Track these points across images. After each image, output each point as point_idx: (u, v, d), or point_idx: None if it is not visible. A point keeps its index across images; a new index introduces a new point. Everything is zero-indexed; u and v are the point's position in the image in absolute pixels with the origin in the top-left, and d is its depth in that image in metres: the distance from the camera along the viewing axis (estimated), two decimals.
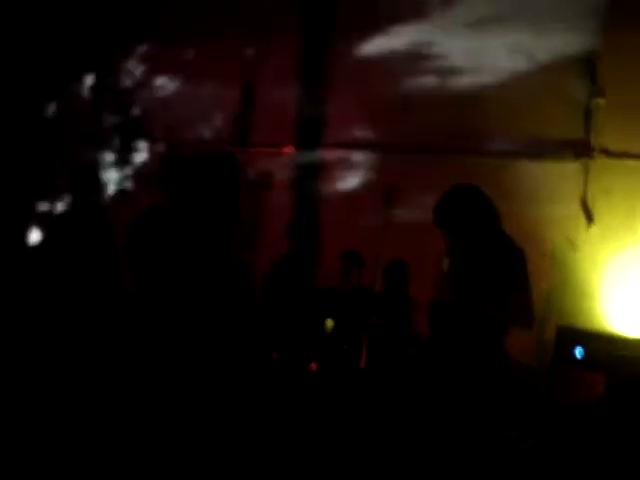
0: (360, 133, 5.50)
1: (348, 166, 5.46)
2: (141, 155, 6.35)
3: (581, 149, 4.90)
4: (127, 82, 6.60)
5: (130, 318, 4.02)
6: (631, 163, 4.79)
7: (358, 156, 5.48)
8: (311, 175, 5.68)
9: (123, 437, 3.65)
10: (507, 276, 3.23)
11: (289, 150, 5.83)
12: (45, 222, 5.38)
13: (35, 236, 6.01)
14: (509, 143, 5.06)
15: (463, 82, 5.19)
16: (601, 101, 4.87)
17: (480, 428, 3.28)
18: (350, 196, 5.32)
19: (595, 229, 4.83)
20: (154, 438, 3.66)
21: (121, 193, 6.17)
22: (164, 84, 6.39)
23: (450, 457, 3.29)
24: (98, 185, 5.10)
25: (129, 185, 6.20)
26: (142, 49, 6.49)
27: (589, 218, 4.86)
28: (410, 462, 3.55)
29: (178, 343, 3.87)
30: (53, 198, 6.42)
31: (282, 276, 5.16)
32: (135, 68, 6.55)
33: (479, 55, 5.16)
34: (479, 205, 3.36)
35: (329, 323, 4.38)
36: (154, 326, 3.87)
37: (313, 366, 4.36)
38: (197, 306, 4.01)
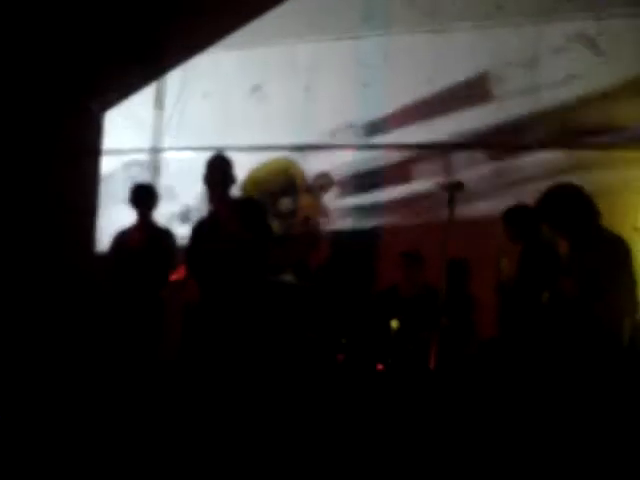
0: (423, 131, 5.47)
1: (410, 165, 5.43)
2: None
3: None
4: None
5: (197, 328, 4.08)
6: None
7: (420, 155, 5.45)
8: (372, 175, 5.68)
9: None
10: (610, 272, 3.25)
11: (350, 150, 5.84)
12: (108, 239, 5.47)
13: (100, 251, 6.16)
14: (578, 134, 4.95)
15: (525, 75, 5.11)
16: None
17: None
18: (413, 195, 5.28)
19: None
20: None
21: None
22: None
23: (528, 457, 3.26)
24: (156, 201, 5.17)
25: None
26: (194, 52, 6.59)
27: None
28: (479, 461, 3.53)
29: (243, 349, 3.94)
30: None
31: (340, 277, 5.17)
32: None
33: (540, 45, 5.08)
34: (582, 202, 3.44)
35: (394, 324, 4.35)
36: (219, 333, 3.94)
37: (379, 367, 4.35)
38: (259, 310, 4.06)
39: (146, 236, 4.96)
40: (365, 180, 5.68)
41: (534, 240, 4.56)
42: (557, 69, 5.01)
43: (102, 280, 5.19)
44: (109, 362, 4.77)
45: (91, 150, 7.02)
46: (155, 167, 6.79)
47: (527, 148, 5.07)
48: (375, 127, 5.67)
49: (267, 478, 3.54)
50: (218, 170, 4.01)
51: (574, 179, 4.71)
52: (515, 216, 4.54)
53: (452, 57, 5.38)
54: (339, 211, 5.66)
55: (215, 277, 3.97)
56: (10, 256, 5.93)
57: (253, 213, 4.05)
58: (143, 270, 4.85)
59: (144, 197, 5.05)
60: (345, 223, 5.63)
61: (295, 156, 5.97)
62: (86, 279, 5.89)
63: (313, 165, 5.87)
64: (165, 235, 5.04)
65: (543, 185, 3.81)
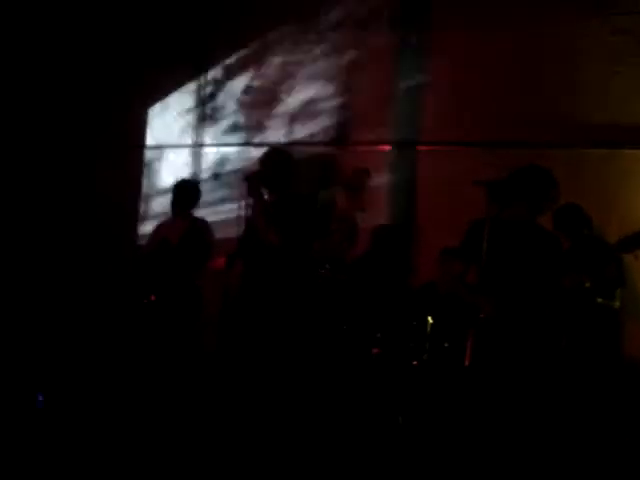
0: (459, 129, 5.43)
1: (447, 162, 5.40)
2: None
3: None
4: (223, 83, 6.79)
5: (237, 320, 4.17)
6: None
7: (457, 152, 5.42)
8: (410, 172, 5.68)
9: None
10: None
11: (387, 148, 5.84)
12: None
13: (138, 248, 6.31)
14: (606, 133, 4.87)
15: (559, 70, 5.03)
16: None
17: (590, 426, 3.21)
18: (449, 192, 5.24)
19: None
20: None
21: None
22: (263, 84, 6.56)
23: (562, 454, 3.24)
24: (198, 199, 5.28)
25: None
26: (236, 49, 6.66)
27: None
28: (516, 456, 3.51)
29: (281, 342, 4.01)
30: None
31: (375, 272, 5.17)
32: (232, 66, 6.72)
33: (575, 40, 5.00)
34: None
35: (429, 320, 4.35)
36: (258, 326, 4.03)
37: (413, 363, 4.35)
38: (296, 305, 4.13)
39: (186, 228, 5.09)
40: (401, 176, 5.70)
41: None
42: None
43: (142, 269, 5.33)
44: (148, 350, 4.90)
45: (136, 145, 7.20)
46: (196, 162, 6.91)
47: (568, 145, 5.00)
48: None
49: (299, 466, 3.60)
50: (274, 166, 4.12)
51: (616, 178, 4.72)
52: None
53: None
54: (376, 206, 5.67)
55: (259, 269, 4.06)
56: (55, 244, 6.16)
57: (296, 208, 4.13)
58: (182, 260, 4.98)
59: (187, 196, 5.18)
60: (382, 218, 5.64)
61: (333, 151, 6.02)
62: (128, 267, 6.06)
63: (351, 161, 5.90)
64: (203, 227, 5.17)
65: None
